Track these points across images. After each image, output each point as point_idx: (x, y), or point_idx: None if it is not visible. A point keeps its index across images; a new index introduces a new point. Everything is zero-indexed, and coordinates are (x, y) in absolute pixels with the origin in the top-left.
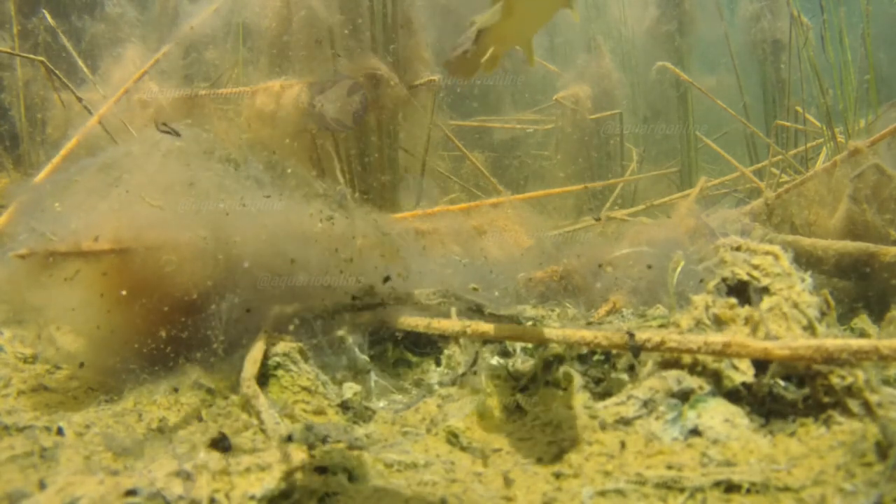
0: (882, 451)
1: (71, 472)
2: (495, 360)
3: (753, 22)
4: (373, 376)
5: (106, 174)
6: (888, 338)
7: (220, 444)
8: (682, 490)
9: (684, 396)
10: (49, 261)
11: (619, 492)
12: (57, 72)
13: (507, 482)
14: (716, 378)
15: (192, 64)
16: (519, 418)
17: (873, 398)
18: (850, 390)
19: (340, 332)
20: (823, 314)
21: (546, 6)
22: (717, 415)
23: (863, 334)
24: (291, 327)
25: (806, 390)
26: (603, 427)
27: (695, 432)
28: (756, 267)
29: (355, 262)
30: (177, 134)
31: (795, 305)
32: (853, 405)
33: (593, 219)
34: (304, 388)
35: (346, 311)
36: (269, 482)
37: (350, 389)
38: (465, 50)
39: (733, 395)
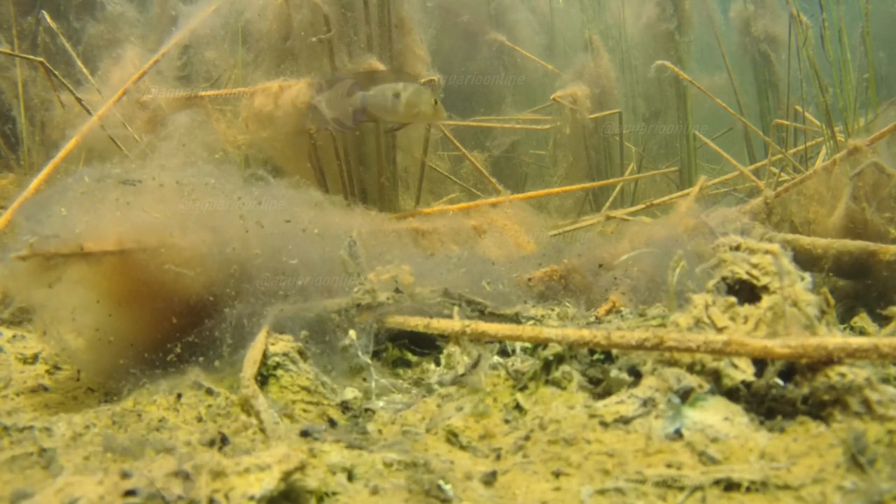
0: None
1: (70, 473)
2: (495, 360)
3: (749, 21)
4: (373, 375)
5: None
6: (888, 336)
7: (220, 444)
8: (681, 488)
9: (684, 395)
10: (50, 262)
11: (619, 490)
12: (56, 72)
13: (506, 480)
14: (715, 376)
15: (192, 64)
16: (518, 417)
17: (873, 396)
18: (850, 388)
19: (342, 333)
20: (823, 313)
21: None
22: (716, 413)
23: (863, 333)
24: (291, 327)
25: (806, 388)
26: (602, 426)
27: (694, 431)
28: (755, 266)
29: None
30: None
31: (795, 304)
32: (853, 403)
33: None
34: (304, 388)
35: (347, 310)
36: (269, 482)
37: (350, 390)
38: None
39: (733, 394)
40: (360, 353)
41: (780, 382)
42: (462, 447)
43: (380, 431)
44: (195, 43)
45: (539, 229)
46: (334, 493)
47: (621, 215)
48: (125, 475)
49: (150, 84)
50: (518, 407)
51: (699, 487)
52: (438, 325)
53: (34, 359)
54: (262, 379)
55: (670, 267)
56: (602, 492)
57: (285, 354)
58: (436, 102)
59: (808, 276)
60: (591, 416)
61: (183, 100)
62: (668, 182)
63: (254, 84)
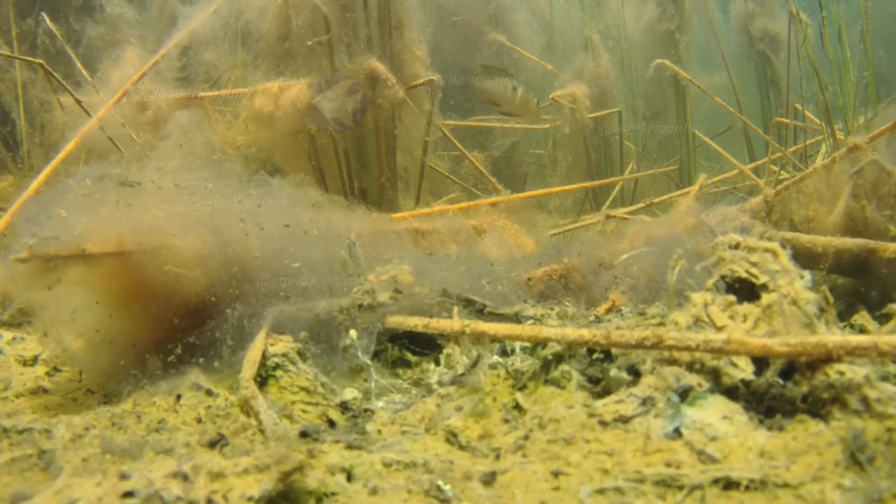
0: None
1: (69, 475)
2: (494, 359)
3: (749, 19)
4: (373, 375)
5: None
6: (888, 334)
7: (219, 444)
8: (680, 488)
9: (683, 394)
10: (50, 264)
11: (618, 490)
12: (55, 74)
13: (506, 480)
14: (715, 375)
15: (191, 65)
16: (518, 417)
17: (872, 394)
18: (849, 386)
19: (345, 332)
20: (822, 311)
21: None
22: (715, 412)
23: (862, 331)
24: (291, 327)
25: (805, 387)
26: (602, 425)
27: (693, 429)
28: (755, 264)
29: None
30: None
31: (794, 302)
32: (852, 401)
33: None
34: (303, 389)
35: (348, 311)
36: (268, 483)
37: (349, 390)
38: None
39: (732, 392)
40: (359, 354)
41: (780, 381)
42: (461, 447)
43: (379, 432)
44: (195, 44)
45: (539, 229)
46: (333, 494)
47: (621, 214)
48: (124, 476)
49: (149, 85)
50: (517, 406)
51: (698, 486)
52: (438, 324)
53: (34, 361)
54: (262, 380)
55: (670, 266)
56: (601, 491)
57: (284, 355)
58: (538, 104)
59: (807, 274)
60: (591, 415)
61: (183, 100)
62: (668, 181)
63: (254, 85)
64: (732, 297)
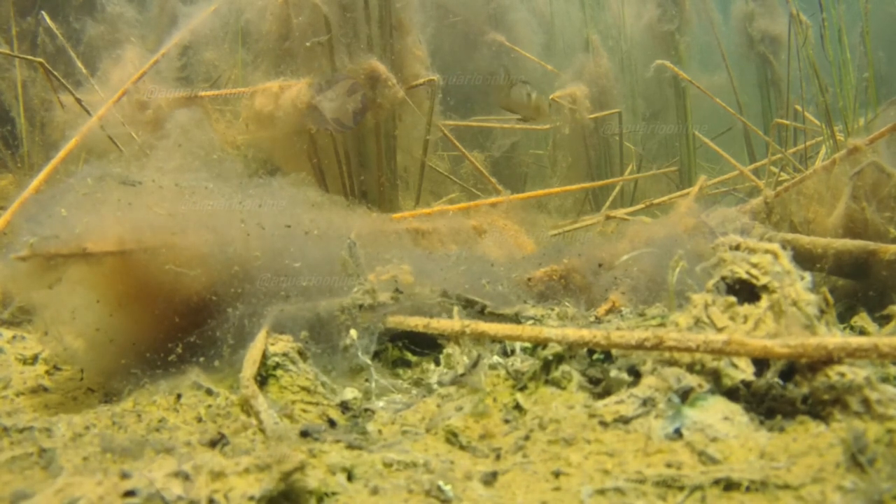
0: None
1: (70, 473)
2: (494, 360)
3: (749, 20)
4: (373, 375)
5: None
6: (888, 336)
7: (219, 444)
8: (681, 488)
9: (684, 395)
10: (51, 263)
11: (619, 490)
12: (55, 73)
13: (506, 480)
14: (715, 376)
15: (191, 65)
16: (518, 417)
17: (873, 396)
18: (850, 388)
19: (345, 332)
20: (823, 312)
21: None
22: (716, 413)
23: (862, 332)
24: (291, 327)
25: (805, 388)
26: (602, 425)
27: (694, 430)
28: (755, 265)
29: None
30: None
31: (795, 304)
32: (853, 402)
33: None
34: (304, 389)
35: (349, 310)
36: (268, 482)
37: (349, 390)
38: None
39: (733, 393)
40: (360, 354)
41: (780, 382)
42: (462, 447)
43: (380, 431)
44: (195, 43)
45: (539, 229)
46: (334, 493)
47: (621, 215)
48: (125, 475)
49: (149, 84)
50: (518, 407)
51: (699, 487)
52: (438, 325)
53: (34, 359)
54: (262, 379)
55: (670, 267)
56: (602, 492)
57: (285, 355)
58: (550, 106)
59: (807, 275)
60: (591, 415)
61: (183, 100)
62: (668, 182)
63: (254, 84)
64: (733, 299)
